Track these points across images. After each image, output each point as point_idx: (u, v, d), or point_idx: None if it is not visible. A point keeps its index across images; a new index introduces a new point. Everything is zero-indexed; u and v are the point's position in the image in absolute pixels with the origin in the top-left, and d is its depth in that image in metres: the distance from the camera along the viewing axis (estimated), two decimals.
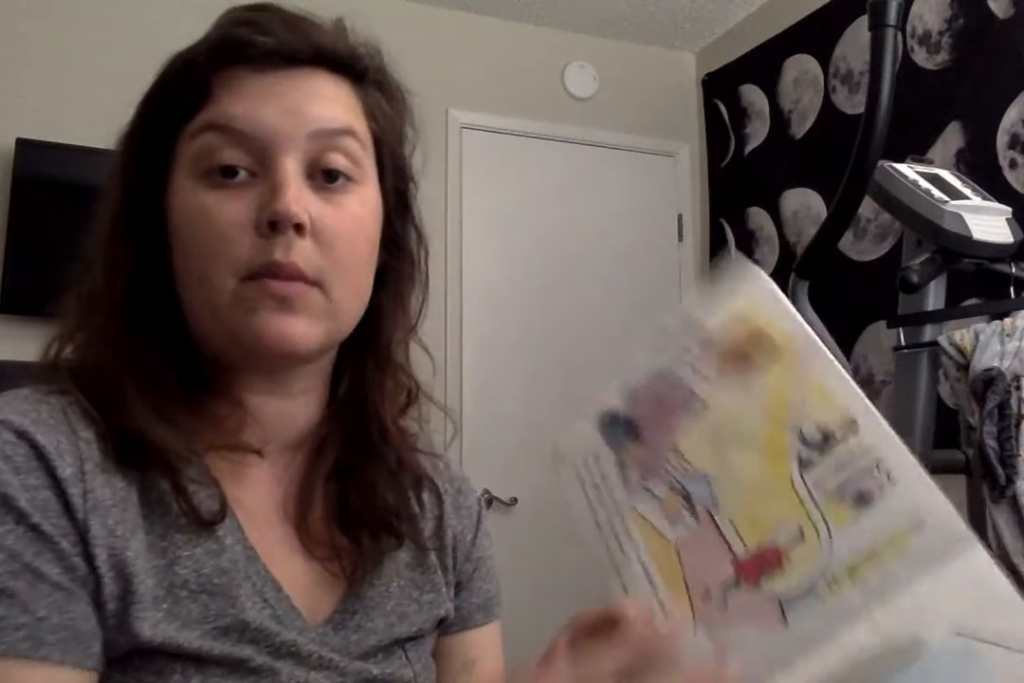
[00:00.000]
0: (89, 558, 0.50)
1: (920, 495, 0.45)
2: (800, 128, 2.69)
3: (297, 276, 0.54)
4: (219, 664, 0.51)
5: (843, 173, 1.67)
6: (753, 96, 2.89)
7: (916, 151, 2.03)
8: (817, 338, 0.49)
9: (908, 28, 2.26)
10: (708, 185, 3.10)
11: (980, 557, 0.43)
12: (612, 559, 0.52)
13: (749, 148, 2.89)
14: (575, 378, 2.84)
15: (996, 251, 1.66)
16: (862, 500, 0.46)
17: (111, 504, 0.52)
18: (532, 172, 2.89)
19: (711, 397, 0.51)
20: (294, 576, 0.58)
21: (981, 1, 2.09)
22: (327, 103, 0.57)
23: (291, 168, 0.54)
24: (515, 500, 2.67)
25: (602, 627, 0.48)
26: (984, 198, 1.75)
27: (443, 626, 0.67)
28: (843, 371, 0.48)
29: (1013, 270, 1.68)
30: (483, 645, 0.70)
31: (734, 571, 0.47)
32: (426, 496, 0.68)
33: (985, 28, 2.07)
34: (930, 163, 1.94)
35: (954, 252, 1.65)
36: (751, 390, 0.50)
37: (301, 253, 0.54)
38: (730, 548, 0.48)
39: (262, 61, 0.56)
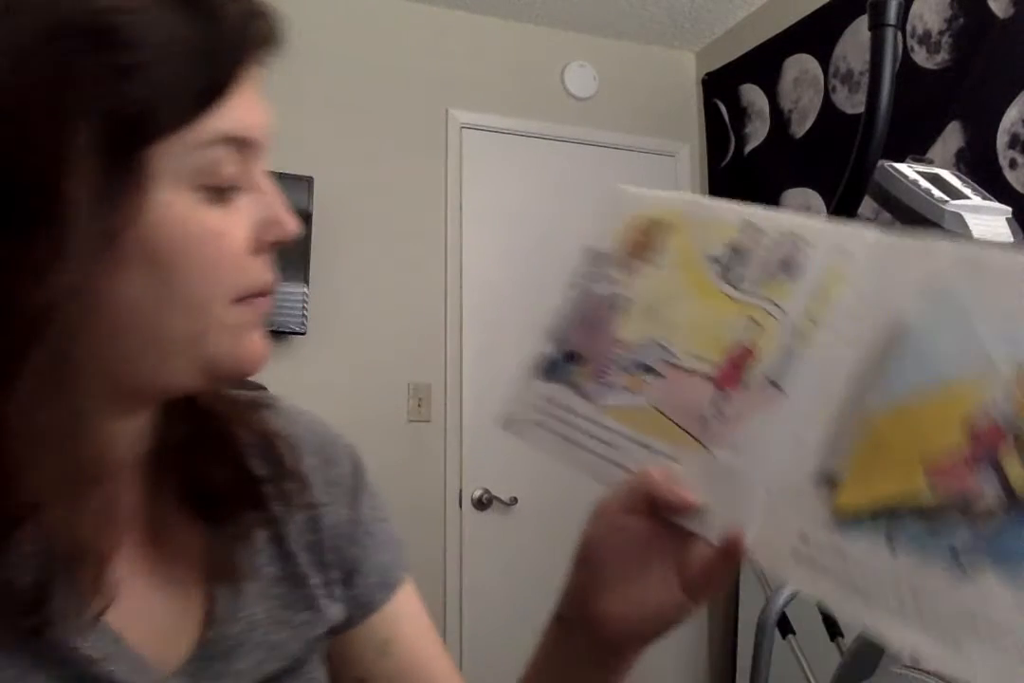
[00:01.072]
0: None
1: (836, 234, 0.49)
2: (800, 128, 2.68)
3: None
4: None
5: (843, 173, 1.67)
6: (753, 96, 2.89)
7: (916, 151, 2.03)
8: (703, 198, 0.55)
9: (908, 28, 2.26)
10: (708, 185, 3.10)
11: (908, 242, 0.47)
12: (608, 459, 0.54)
13: (749, 148, 2.89)
14: None
15: None
16: (789, 268, 0.50)
17: None
18: (532, 172, 2.89)
19: (631, 290, 0.55)
20: (146, 617, 0.51)
21: (981, 1, 2.09)
22: None
23: (271, 180, 0.50)
24: (515, 500, 2.67)
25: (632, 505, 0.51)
26: (984, 198, 1.75)
27: (342, 627, 0.61)
28: (724, 203, 0.54)
29: None
30: (394, 617, 0.63)
31: (715, 387, 0.50)
32: (289, 485, 0.58)
33: (985, 28, 2.07)
34: (930, 163, 1.93)
35: None
36: (662, 264, 0.55)
37: None
38: (703, 375, 0.51)
39: (265, 55, 0.48)
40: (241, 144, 0.47)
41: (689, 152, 3.13)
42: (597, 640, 0.54)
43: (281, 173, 2.47)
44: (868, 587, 0.43)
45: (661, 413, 0.52)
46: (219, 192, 0.47)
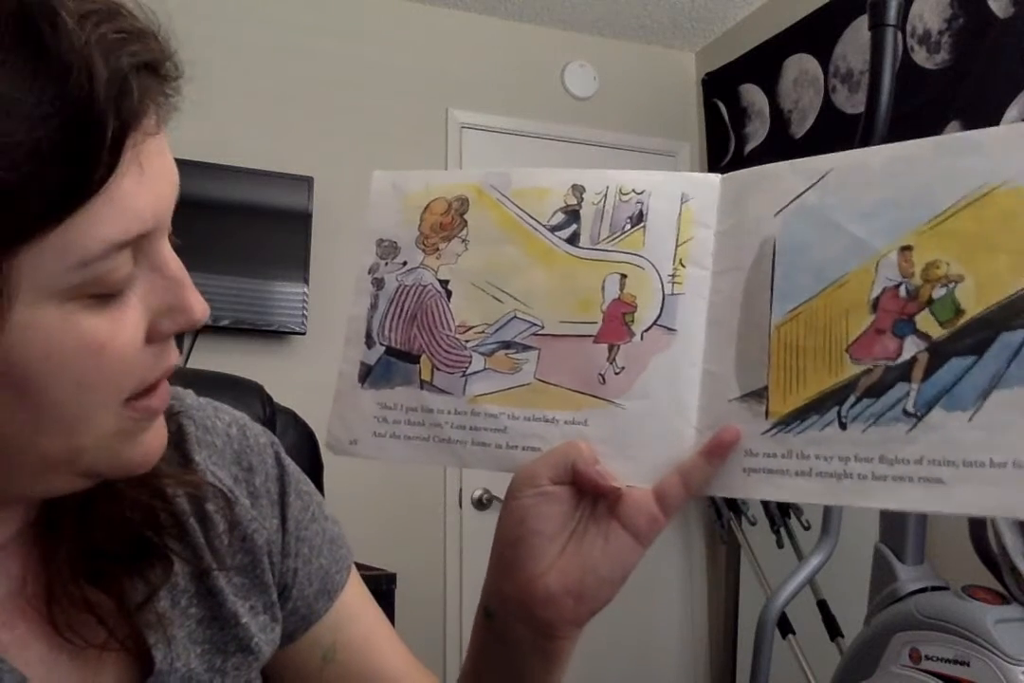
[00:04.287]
0: None
1: (673, 183, 0.52)
2: (800, 128, 2.69)
3: None
4: None
5: None
6: (753, 96, 2.89)
7: None
8: (492, 169, 0.55)
9: (908, 28, 2.26)
10: None
11: (753, 172, 0.51)
12: (501, 446, 0.53)
13: (749, 147, 2.89)
14: None
15: None
16: (636, 220, 0.52)
17: None
18: None
19: (451, 269, 0.55)
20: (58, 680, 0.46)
21: (981, 1, 2.09)
22: None
23: (174, 255, 0.43)
24: None
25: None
26: None
27: (282, 643, 0.58)
28: (538, 169, 0.55)
29: None
30: (337, 622, 0.60)
31: (605, 345, 0.51)
32: (211, 506, 0.53)
33: (985, 28, 2.07)
34: None
35: None
36: (477, 240, 0.54)
37: None
38: (581, 336, 0.52)
39: (157, 112, 0.39)
40: (136, 242, 0.39)
41: (689, 152, 3.13)
42: (538, 626, 0.51)
43: (281, 173, 2.48)
44: (832, 467, 0.45)
45: (549, 384, 0.52)
46: (106, 296, 0.39)
